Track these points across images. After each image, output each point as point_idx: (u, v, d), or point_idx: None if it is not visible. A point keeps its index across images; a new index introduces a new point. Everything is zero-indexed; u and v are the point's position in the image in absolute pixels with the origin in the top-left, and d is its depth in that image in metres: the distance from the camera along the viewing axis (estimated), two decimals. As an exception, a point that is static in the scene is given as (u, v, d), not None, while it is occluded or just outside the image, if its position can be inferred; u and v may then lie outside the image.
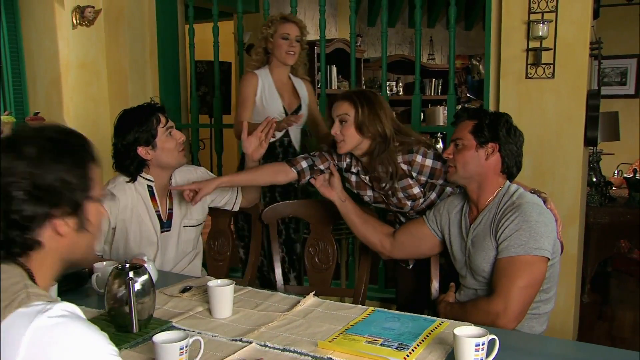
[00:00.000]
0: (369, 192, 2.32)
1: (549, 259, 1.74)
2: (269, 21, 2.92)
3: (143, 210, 2.23)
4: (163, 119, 2.20)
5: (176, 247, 2.31)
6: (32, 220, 1.06)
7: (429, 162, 2.14)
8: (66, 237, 1.10)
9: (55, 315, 0.94)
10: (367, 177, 2.28)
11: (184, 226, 2.33)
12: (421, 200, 2.25)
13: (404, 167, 2.17)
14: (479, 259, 1.83)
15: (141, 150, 2.17)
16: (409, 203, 2.26)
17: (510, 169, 1.89)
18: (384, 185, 2.21)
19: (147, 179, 2.25)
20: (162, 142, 2.19)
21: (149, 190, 2.25)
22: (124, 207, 2.20)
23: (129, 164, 2.19)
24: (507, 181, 1.91)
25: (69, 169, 1.09)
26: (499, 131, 1.85)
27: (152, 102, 2.25)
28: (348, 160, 2.31)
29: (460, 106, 1.85)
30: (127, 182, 2.22)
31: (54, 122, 1.20)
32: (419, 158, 2.14)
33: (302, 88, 3.02)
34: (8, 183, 1.04)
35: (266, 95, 2.87)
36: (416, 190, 2.21)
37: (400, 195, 2.23)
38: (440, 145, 5.61)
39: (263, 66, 2.94)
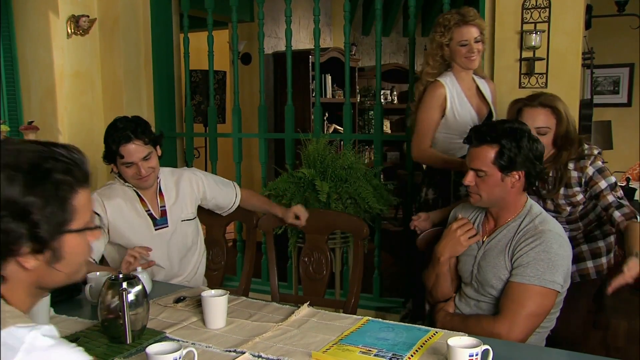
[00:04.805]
0: None
1: (559, 292, 1.73)
2: (440, 26, 2.56)
3: (133, 211, 2.30)
4: (125, 153, 2.18)
5: (176, 241, 2.37)
6: None
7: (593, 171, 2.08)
8: (36, 270, 0.97)
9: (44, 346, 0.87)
10: None
11: (182, 220, 2.39)
12: (580, 207, 2.16)
13: (575, 174, 2.10)
14: (489, 274, 1.81)
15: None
16: (568, 209, 2.15)
17: (533, 183, 1.85)
18: (544, 191, 2.13)
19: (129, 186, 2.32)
20: (120, 167, 2.26)
21: (136, 193, 2.32)
22: (116, 208, 2.27)
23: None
24: (528, 199, 1.87)
25: (44, 204, 0.92)
26: (524, 158, 1.76)
27: (134, 128, 2.20)
28: None
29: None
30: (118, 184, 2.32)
31: (42, 140, 1.01)
32: (590, 167, 2.08)
33: (487, 89, 2.70)
34: None
35: (457, 104, 2.58)
36: (580, 197, 2.12)
37: (562, 201, 2.14)
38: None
39: (446, 72, 2.62)
